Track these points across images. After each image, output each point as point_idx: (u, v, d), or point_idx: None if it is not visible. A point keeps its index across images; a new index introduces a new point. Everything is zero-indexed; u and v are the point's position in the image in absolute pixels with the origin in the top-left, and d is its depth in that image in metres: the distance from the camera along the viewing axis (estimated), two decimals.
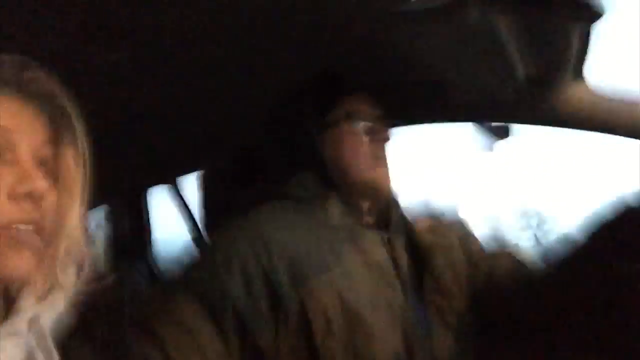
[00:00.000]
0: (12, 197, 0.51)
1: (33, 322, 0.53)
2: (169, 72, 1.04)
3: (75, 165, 0.57)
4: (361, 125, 0.99)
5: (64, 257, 0.57)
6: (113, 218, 2.53)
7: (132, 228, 2.51)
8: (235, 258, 0.86)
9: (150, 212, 2.52)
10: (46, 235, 0.54)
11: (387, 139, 1.01)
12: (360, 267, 0.92)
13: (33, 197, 0.52)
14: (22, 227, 0.51)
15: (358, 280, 0.90)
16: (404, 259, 0.97)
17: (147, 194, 2.50)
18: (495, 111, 1.17)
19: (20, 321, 0.53)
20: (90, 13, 0.80)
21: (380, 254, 0.95)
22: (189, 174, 2.07)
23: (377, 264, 0.94)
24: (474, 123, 1.20)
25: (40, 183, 0.52)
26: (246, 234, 0.89)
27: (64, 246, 0.56)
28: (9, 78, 0.56)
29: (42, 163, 0.55)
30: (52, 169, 0.56)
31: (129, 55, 0.94)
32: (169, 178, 2.30)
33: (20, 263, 0.51)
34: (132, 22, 0.84)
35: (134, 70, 1.00)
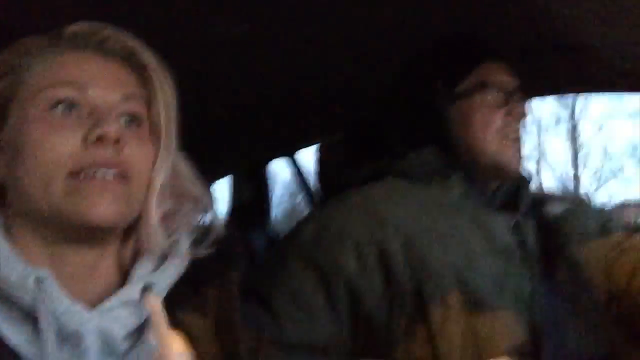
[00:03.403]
0: (87, 140, 0.51)
1: (146, 290, 0.54)
2: (288, 44, 1.02)
3: (163, 122, 0.57)
4: (496, 97, 0.90)
5: (176, 223, 0.57)
6: (235, 188, 2.66)
7: (253, 198, 2.62)
8: (349, 233, 0.84)
9: (269, 184, 2.61)
10: (135, 184, 0.54)
11: (523, 113, 0.92)
12: (484, 251, 0.85)
13: (108, 141, 0.52)
14: (102, 170, 0.51)
15: (482, 264, 0.84)
16: (534, 244, 0.89)
17: (267, 166, 2.59)
18: None
19: (134, 290, 0.54)
20: None
21: (507, 238, 0.88)
22: (308, 147, 2.09)
23: (504, 248, 0.87)
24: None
25: (114, 126, 0.52)
26: (361, 209, 0.86)
27: (157, 201, 0.55)
28: (86, 36, 0.57)
29: (123, 118, 0.55)
30: (139, 125, 0.56)
31: (250, 28, 0.94)
32: (289, 151, 2.35)
33: (101, 205, 0.51)
34: None
35: (254, 44, 1.00)
